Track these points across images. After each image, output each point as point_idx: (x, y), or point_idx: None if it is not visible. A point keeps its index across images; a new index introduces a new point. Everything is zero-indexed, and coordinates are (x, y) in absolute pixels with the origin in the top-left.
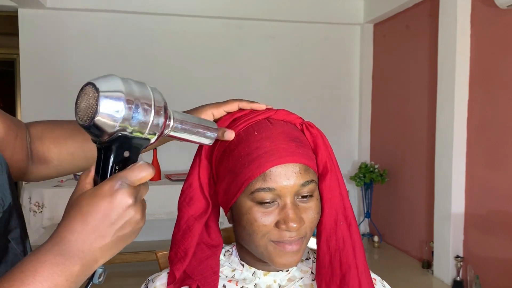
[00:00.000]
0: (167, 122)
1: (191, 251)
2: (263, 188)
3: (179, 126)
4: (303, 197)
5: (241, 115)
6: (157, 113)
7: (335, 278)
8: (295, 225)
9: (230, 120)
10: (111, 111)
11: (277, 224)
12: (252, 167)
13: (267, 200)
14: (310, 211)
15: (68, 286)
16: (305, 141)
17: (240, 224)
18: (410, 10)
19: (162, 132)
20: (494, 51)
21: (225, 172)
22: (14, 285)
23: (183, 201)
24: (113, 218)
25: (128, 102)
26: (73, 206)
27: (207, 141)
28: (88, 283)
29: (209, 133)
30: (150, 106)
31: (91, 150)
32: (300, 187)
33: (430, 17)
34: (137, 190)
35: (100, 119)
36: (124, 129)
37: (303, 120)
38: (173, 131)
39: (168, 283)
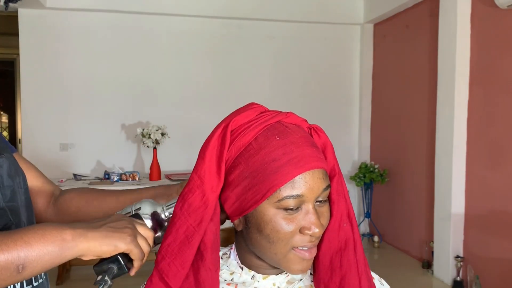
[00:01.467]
0: (158, 218)
1: (188, 264)
2: (292, 195)
3: (172, 210)
4: (318, 201)
5: (254, 118)
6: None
7: (335, 279)
8: (318, 230)
9: (246, 121)
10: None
11: (301, 230)
12: (281, 174)
13: (292, 207)
14: (325, 216)
15: (53, 241)
16: (318, 145)
17: (262, 233)
18: (410, 10)
19: (161, 224)
20: (494, 51)
21: (241, 178)
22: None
23: (182, 208)
24: (107, 220)
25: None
26: None
27: None
28: (103, 278)
29: None
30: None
31: (106, 201)
32: (321, 192)
33: (430, 17)
34: (133, 221)
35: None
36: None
37: (309, 123)
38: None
39: None
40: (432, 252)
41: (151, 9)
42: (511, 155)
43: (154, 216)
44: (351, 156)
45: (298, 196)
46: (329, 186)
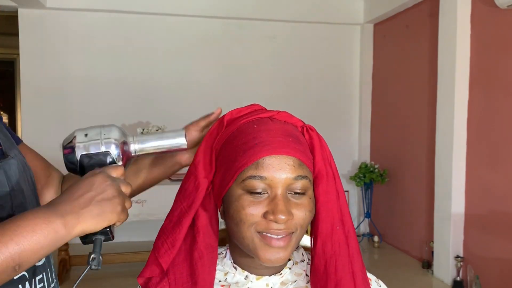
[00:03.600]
0: (126, 148)
1: (178, 243)
2: (254, 176)
3: (142, 145)
4: (296, 193)
5: (247, 113)
6: (107, 145)
7: (330, 284)
8: (283, 217)
9: (238, 116)
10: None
11: (265, 215)
12: (246, 156)
13: (258, 190)
14: (302, 208)
15: (45, 236)
16: (303, 140)
17: (229, 214)
18: (410, 10)
19: (128, 156)
20: (494, 51)
21: (222, 163)
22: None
23: (179, 193)
24: (92, 188)
25: (79, 147)
26: None
27: (181, 144)
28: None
29: (177, 138)
30: (99, 143)
31: None
32: (292, 181)
33: (430, 17)
34: (114, 179)
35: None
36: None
37: (304, 123)
38: (141, 151)
39: (152, 273)
40: (432, 252)
41: (151, 9)
42: (511, 155)
43: (123, 147)
44: (351, 156)
45: (261, 177)
46: (305, 177)
